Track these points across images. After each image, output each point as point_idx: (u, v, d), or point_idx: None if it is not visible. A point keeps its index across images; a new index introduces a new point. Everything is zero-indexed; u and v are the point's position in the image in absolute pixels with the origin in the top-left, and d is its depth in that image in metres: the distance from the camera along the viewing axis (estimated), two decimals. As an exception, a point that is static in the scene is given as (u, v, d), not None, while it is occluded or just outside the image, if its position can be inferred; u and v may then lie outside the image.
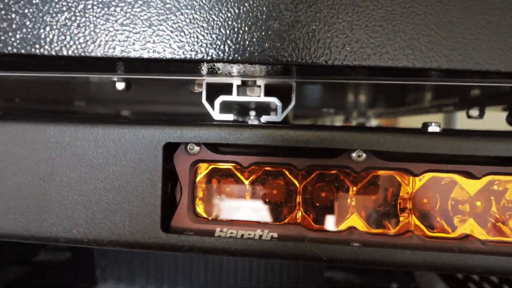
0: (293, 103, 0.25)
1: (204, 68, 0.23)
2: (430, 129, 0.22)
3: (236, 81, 0.25)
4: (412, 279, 0.93)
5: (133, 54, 0.20)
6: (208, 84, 0.26)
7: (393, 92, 0.39)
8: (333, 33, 0.19)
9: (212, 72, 0.24)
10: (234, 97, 0.25)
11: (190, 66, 0.22)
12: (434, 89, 0.34)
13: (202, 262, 1.29)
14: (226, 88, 0.26)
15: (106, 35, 0.19)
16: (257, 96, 0.25)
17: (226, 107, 0.26)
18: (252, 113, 0.34)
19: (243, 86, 0.26)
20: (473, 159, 0.20)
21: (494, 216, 0.22)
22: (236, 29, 0.19)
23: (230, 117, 0.25)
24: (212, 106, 0.26)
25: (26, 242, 0.23)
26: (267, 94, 0.25)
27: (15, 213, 0.22)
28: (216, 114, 0.25)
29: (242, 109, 0.31)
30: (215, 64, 0.21)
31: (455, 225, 0.22)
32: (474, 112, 0.39)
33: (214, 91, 0.27)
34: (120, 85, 0.29)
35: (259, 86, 0.25)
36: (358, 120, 0.92)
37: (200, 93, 0.28)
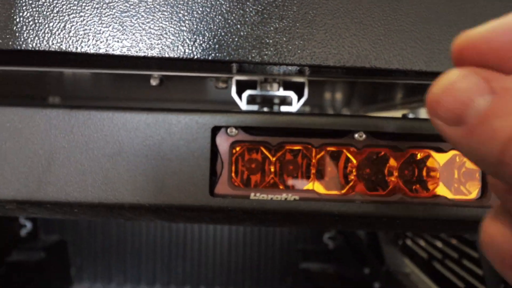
0: (305, 96, 0.32)
1: (234, 67, 0.29)
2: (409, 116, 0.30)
3: (260, 78, 0.32)
4: (382, 263, 1.03)
5: (172, 55, 0.25)
6: (236, 81, 0.32)
7: (364, 91, 0.47)
8: (344, 40, 0.26)
9: (240, 70, 0.30)
10: (258, 91, 0.32)
11: (224, 65, 0.28)
12: (403, 87, 0.42)
13: (180, 256, 1.33)
14: (250, 84, 0.32)
15: (150, 36, 0.25)
16: (277, 90, 0.32)
17: (250, 99, 0.32)
18: (272, 103, 0.40)
19: (265, 83, 0.32)
20: (439, 137, 0.28)
21: (457, 180, 0.29)
22: (261, 37, 0.25)
23: (255, 107, 0.31)
24: (240, 98, 0.32)
25: (95, 210, 0.28)
26: (285, 88, 0.32)
27: (87, 185, 0.27)
28: (243, 105, 0.31)
29: (263, 101, 0.37)
30: (243, 64, 0.27)
31: (429, 188, 0.29)
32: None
33: (239, 86, 0.33)
34: (155, 81, 0.34)
35: (278, 82, 0.32)
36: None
37: (224, 88, 0.34)
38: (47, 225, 1.31)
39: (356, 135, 0.28)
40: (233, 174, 0.29)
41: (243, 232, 1.29)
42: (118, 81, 0.40)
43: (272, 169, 0.29)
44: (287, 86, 0.32)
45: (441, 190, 0.29)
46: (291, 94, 0.31)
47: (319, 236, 1.29)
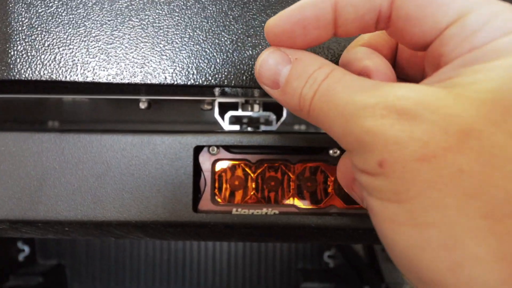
0: (284, 116, 0.34)
1: (217, 91, 0.31)
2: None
3: (241, 100, 0.34)
4: (382, 280, 1.02)
5: (154, 81, 0.27)
6: (219, 103, 0.34)
7: None
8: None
9: (222, 94, 0.32)
10: (240, 112, 0.34)
11: (206, 90, 0.30)
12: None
13: (179, 278, 1.32)
14: (233, 106, 0.34)
15: (133, 64, 0.27)
16: (257, 111, 0.34)
17: (234, 119, 0.34)
18: (252, 123, 0.42)
19: (246, 104, 0.34)
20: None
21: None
22: (236, 64, 0.27)
23: (237, 127, 0.33)
24: (223, 119, 0.34)
25: (84, 227, 0.29)
26: (265, 109, 0.34)
27: (76, 203, 0.29)
28: (226, 125, 0.33)
29: (246, 121, 0.39)
30: (223, 88, 0.29)
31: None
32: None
33: (222, 108, 0.35)
34: (143, 105, 0.36)
35: (259, 104, 0.34)
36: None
37: (209, 110, 0.36)
38: (44, 250, 1.31)
39: (330, 151, 0.30)
40: (216, 191, 0.31)
41: (242, 253, 1.29)
42: (113, 105, 0.42)
43: (253, 185, 0.31)
44: (266, 107, 0.34)
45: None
46: (271, 114, 0.33)
47: (319, 254, 1.29)
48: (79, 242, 1.28)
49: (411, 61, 0.21)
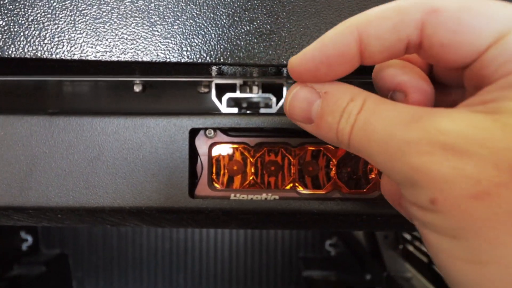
0: (284, 97, 0.32)
1: (214, 70, 0.29)
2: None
3: (239, 81, 0.32)
4: (384, 268, 1.02)
5: (145, 59, 0.26)
6: (216, 84, 0.32)
7: None
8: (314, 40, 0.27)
9: (219, 73, 0.31)
10: (237, 94, 0.32)
11: (202, 69, 0.28)
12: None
13: (181, 267, 1.32)
14: (230, 87, 0.33)
15: (123, 41, 0.25)
16: (256, 93, 0.32)
17: (230, 102, 0.33)
18: (254, 107, 0.41)
19: (244, 85, 0.32)
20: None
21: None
22: (232, 39, 0.26)
23: (235, 110, 0.32)
24: (220, 101, 0.32)
25: (77, 214, 0.28)
26: (264, 91, 0.32)
27: (68, 189, 0.28)
28: (223, 108, 0.32)
29: (247, 103, 0.37)
30: (222, 66, 0.28)
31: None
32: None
33: (219, 90, 0.33)
34: (138, 87, 0.35)
35: (257, 85, 0.32)
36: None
37: (206, 93, 0.34)
38: (48, 239, 1.31)
39: (333, 134, 0.28)
40: (213, 176, 0.29)
41: (244, 241, 1.29)
42: (105, 91, 0.40)
43: (252, 170, 0.30)
44: (266, 88, 0.32)
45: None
46: (270, 96, 0.31)
47: (320, 243, 1.28)
48: (82, 231, 1.28)
49: (448, 72, 0.20)
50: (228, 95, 0.32)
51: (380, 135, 0.16)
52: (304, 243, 1.29)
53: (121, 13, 0.24)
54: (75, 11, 0.23)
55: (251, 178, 0.30)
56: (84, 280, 1.31)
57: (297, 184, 0.30)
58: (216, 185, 0.29)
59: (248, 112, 0.31)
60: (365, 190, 0.29)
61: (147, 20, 0.24)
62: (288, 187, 0.29)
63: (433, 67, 0.20)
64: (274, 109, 0.32)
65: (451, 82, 0.20)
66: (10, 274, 1.16)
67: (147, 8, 0.24)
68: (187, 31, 0.24)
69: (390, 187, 0.22)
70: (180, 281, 1.27)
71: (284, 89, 0.32)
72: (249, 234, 1.27)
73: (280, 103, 0.32)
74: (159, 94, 0.36)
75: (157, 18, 0.24)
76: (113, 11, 0.23)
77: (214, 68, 0.28)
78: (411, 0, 0.16)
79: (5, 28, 0.23)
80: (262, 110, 0.32)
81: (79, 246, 1.31)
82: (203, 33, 0.24)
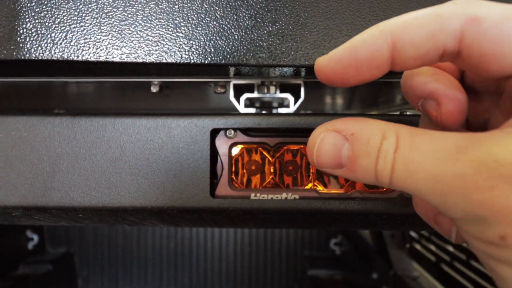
0: (302, 98, 0.32)
1: (232, 71, 0.29)
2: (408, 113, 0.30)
3: (257, 81, 0.32)
4: (390, 267, 1.02)
5: (170, 60, 0.26)
6: (234, 85, 0.33)
7: (364, 91, 0.47)
8: (336, 40, 0.27)
9: (237, 74, 0.31)
10: (255, 94, 0.32)
11: (221, 69, 0.29)
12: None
13: (186, 265, 1.33)
14: (248, 87, 0.33)
15: (148, 43, 0.26)
16: (274, 93, 0.32)
17: (248, 103, 0.33)
18: (271, 106, 0.41)
19: (262, 86, 0.33)
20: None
21: None
22: (255, 41, 0.26)
23: (252, 110, 0.32)
24: (238, 102, 0.32)
25: (99, 214, 0.29)
26: (282, 91, 0.32)
27: (90, 189, 0.28)
28: (242, 108, 0.32)
29: (261, 103, 0.37)
30: (239, 68, 0.28)
31: None
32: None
33: (236, 90, 0.33)
34: (155, 88, 0.35)
35: (275, 85, 0.32)
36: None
37: (223, 93, 0.35)
38: (53, 238, 1.32)
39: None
40: (233, 176, 0.30)
41: (248, 240, 1.29)
42: (120, 92, 0.41)
43: (272, 170, 0.30)
44: (284, 88, 0.32)
45: None
46: (288, 96, 0.32)
47: (326, 242, 1.29)
48: (87, 230, 1.28)
49: (485, 80, 0.19)
50: (246, 95, 0.32)
51: (428, 173, 0.15)
52: (309, 242, 1.30)
53: (146, 15, 0.24)
54: (100, 13, 0.23)
55: (270, 177, 0.30)
56: (89, 279, 1.31)
57: (316, 184, 0.30)
58: (236, 184, 0.30)
59: (267, 112, 0.31)
60: (384, 189, 0.30)
61: (172, 22, 0.24)
62: (308, 187, 0.30)
63: (466, 73, 0.20)
64: (292, 109, 0.32)
65: (485, 90, 0.19)
66: (16, 273, 1.17)
67: (171, 10, 0.24)
68: (210, 32, 0.24)
69: (424, 204, 0.21)
70: (184, 280, 1.27)
71: (302, 91, 0.32)
72: (253, 233, 1.27)
73: (298, 103, 0.32)
74: (175, 94, 0.37)
75: (181, 20, 0.24)
76: (138, 13, 0.24)
77: (232, 68, 0.28)
78: (451, 7, 0.16)
79: (32, 30, 0.23)
80: (280, 110, 0.32)
81: (84, 245, 1.32)
82: (226, 34, 0.24)
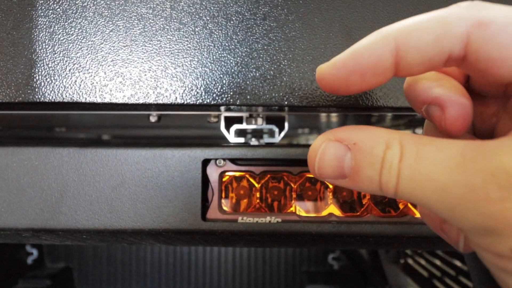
0: (286, 129, 0.36)
1: (223, 108, 0.33)
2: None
3: (245, 114, 0.36)
4: (386, 282, 1.04)
5: (166, 101, 0.29)
6: (225, 117, 0.36)
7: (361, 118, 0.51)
8: (315, 83, 0.30)
9: (228, 109, 0.34)
10: (244, 125, 0.36)
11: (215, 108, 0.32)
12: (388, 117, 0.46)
13: (185, 281, 1.34)
14: (238, 119, 0.36)
15: (147, 86, 0.29)
16: (260, 124, 0.36)
17: (237, 133, 0.36)
18: (256, 135, 0.44)
19: (250, 118, 0.36)
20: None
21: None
22: (240, 84, 0.29)
23: (241, 140, 0.36)
24: (228, 132, 0.36)
25: (101, 235, 0.32)
26: (267, 122, 0.36)
27: (94, 213, 0.31)
28: (232, 138, 0.36)
29: (251, 131, 0.41)
30: (231, 106, 0.31)
31: (399, 207, 0.33)
32: (418, 130, 0.52)
33: (227, 121, 0.37)
34: (153, 118, 0.38)
35: (262, 117, 0.36)
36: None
37: (215, 122, 0.38)
38: (53, 253, 1.33)
39: (329, 163, 0.32)
40: (222, 201, 0.33)
41: (247, 256, 1.30)
42: (121, 116, 0.44)
43: (258, 195, 0.33)
44: (269, 120, 0.36)
45: (409, 210, 0.33)
46: (273, 127, 0.35)
47: (323, 257, 1.30)
48: (87, 246, 1.30)
49: (491, 84, 0.18)
50: (236, 126, 0.36)
51: (435, 184, 0.14)
52: (307, 257, 1.31)
53: (145, 62, 0.27)
54: (106, 61, 0.27)
55: (256, 202, 0.33)
56: (88, 295, 1.32)
57: (298, 208, 0.33)
58: (225, 208, 0.33)
59: (254, 141, 0.34)
60: (358, 213, 0.33)
61: (168, 68, 0.28)
62: (289, 211, 0.33)
63: (472, 78, 0.19)
64: (277, 138, 0.36)
65: (492, 94, 0.18)
66: (16, 288, 1.18)
67: (167, 58, 0.28)
68: (201, 77, 0.28)
69: (430, 213, 0.20)
70: (184, 292, 1.28)
71: (286, 124, 0.35)
72: (252, 249, 1.28)
73: (283, 134, 0.35)
74: (173, 123, 0.40)
75: (176, 67, 0.28)
76: (138, 61, 0.27)
77: (223, 106, 0.31)
78: (456, 11, 0.15)
79: (47, 77, 0.26)
80: (266, 139, 0.35)
81: (83, 260, 1.33)
82: (216, 79, 0.28)
